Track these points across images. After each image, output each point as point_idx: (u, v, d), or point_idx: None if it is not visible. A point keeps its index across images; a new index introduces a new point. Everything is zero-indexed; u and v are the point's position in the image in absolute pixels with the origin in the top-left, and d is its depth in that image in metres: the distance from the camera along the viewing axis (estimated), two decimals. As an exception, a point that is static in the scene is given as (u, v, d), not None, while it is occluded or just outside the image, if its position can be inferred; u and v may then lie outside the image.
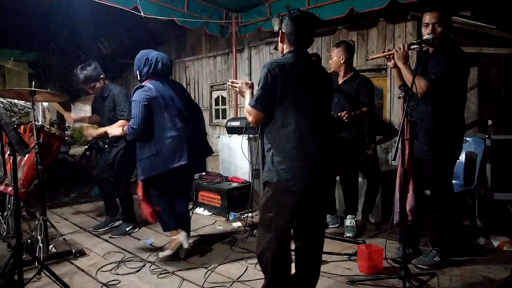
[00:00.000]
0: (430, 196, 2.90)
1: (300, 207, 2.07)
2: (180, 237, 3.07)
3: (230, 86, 2.37)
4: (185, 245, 3.07)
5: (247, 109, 2.09)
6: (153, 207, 3.12)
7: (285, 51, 2.14)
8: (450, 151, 2.75)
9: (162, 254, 3.09)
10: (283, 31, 2.12)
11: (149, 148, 2.97)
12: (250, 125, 2.17)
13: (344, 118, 3.15)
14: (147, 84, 3.00)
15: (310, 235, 2.17)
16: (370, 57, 2.88)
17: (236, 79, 6.79)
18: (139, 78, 3.09)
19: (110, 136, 3.43)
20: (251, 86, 2.27)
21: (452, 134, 2.75)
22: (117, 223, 3.93)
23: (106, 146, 3.88)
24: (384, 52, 2.77)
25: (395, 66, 2.74)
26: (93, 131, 3.64)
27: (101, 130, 3.53)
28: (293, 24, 2.07)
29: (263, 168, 4.50)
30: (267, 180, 2.07)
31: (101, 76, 3.71)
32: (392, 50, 2.71)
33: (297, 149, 1.99)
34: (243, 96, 2.27)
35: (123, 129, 3.12)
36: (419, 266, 2.80)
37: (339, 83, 3.59)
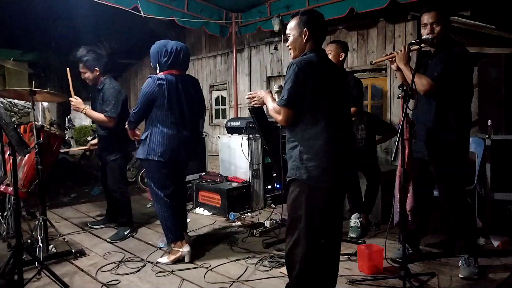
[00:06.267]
0: (439, 197, 2.82)
1: (328, 204, 2.06)
2: (184, 251, 3.06)
3: (248, 101, 2.43)
4: (187, 260, 3.06)
5: (275, 109, 2.07)
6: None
7: (306, 50, 2.11)
8: (459, 150, 2.68)
9: (161, 261, 3.06)
10: (307, 29, 2.07)
11: (145, 132, 3.01)
12: (280, 124, 2.13)
13: None
14: (163, 75, 2.96)
15: (331, 234, 2.12)
16: (374, 61, 2.87)
17: (236, 79, 6.81)
18: (158, 71, 3.02)
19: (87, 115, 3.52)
20: (270, 92, 2.31)
21: (459, 133, 2.68)
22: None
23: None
24: (386, 55, 2.78)
25: (398, 69, 2.73)
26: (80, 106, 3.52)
27: (86, 111, 3.49)
28: (318, 23, 2.11)
29: (263, 168, 4.61)
30: (294, 178, 2.05)
31: (96, 68, 3.58)
32: (393, 53, 2.70)
33: (328, 146, 1.99)
34: (265, 103, 2.27)
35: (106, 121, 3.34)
36: (466, 276, 2.62)
37: None
